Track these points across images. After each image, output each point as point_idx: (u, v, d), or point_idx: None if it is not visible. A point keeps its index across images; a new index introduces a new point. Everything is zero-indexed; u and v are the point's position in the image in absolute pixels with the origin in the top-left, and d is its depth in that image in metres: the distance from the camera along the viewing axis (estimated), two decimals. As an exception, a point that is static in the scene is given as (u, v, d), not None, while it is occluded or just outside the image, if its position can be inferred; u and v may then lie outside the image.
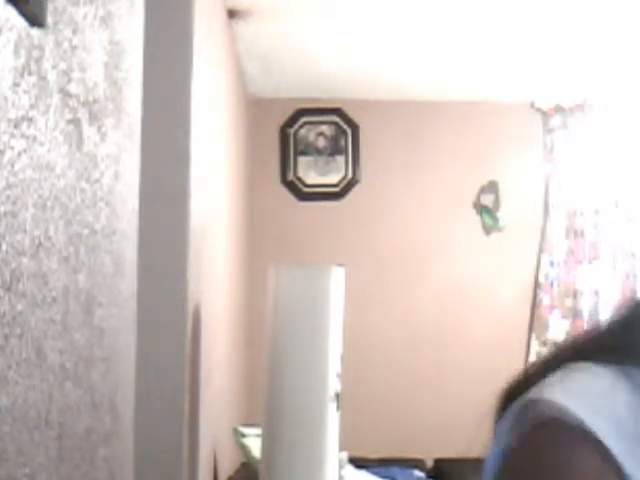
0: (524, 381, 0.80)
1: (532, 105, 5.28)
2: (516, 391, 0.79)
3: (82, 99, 1.52)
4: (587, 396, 0.73)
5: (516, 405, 0.76)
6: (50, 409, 1.34)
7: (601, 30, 4.11)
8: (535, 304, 5.22)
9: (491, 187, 5.29)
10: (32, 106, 1.25)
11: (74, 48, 1.46)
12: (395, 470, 4.39)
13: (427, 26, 4.12)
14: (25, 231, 1.22)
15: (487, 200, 5.29)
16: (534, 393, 0.75)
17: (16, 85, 1.18)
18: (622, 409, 0.73)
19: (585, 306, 5.21)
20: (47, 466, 1.34)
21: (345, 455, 3.29)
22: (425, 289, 5.21)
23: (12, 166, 1.16)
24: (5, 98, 1.14)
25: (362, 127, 5.28)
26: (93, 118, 1.59)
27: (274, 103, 5.23)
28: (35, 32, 1.24)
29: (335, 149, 5.28)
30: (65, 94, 1.41)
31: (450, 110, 5.26)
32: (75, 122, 1.47)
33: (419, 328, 5.17)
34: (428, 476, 4.60)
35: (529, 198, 5.27)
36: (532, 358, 5.16)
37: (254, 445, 3.23)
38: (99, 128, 1.64)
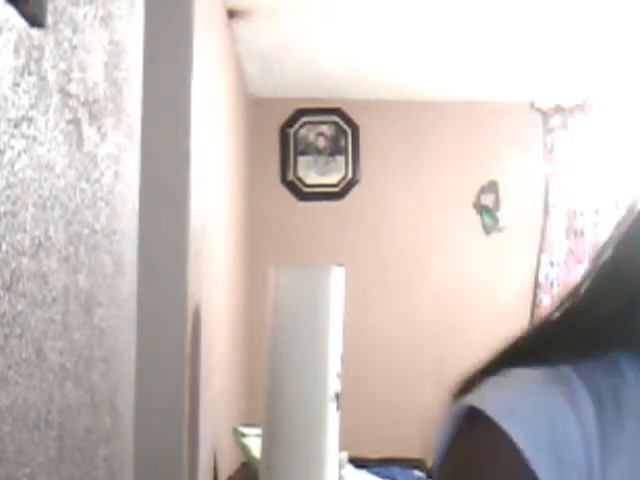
0: (472, 381, 0.81)
1: (532, 105, 5.27)
2: (465, 390, 0.80)
3: (82, 99, 1.52)
4: (521, 407, 0.73)
5: (456, 408, 0.77)
6: (50, 409, 1.34)
7: (601, 30, 4.11)
8: (535, 304, 5.22)
9: (491, 187, 5.29)
10: (32, 106, 1.25)
11: (74, 48, 1.46)
12: (395, 470, 4.39)
13: (427, 26, 4.12)
14: (25, 231, 1.22)
15: (487, 200, 5.29)
16: (471, 398, 0.76)
17: (16, 85, 1.18)
18: (559, 422, 0.72)
19: (585, 306, 5.20)
20: (47, 466, 1.34)
21: (345, 455, 3.29)
22: (425, 289, 5.21)
23: (12, 166, 1.16)
24: (5, 98, 1.14)
25: (362, 127, 5.28)
26: (93, 118, 1.59)
27: (274, 103, 5.23)
28: (35, 32, 1.24)
29: (335, 149, 5.28)
30: (65, 94, 1.41)
31: (450, 110, 5.26)
32: (75, 122, 1.47)
33: (419, 328, 5.17)
34: (428, 476, 4.59)
35: (529, 198, 5.27)
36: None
37: (254, 445, 3.23)
38: (99, 128, 1.64)
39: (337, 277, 2.91)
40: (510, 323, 5.19)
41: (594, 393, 0.74)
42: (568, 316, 0.82)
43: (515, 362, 0.79)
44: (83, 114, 1.52)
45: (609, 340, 0.79)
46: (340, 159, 5.27)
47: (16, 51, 1.17)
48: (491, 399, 0.74)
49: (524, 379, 0.76)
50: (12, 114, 1.16)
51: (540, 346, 0.81)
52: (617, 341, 0.79)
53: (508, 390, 0.75)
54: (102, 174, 1.66)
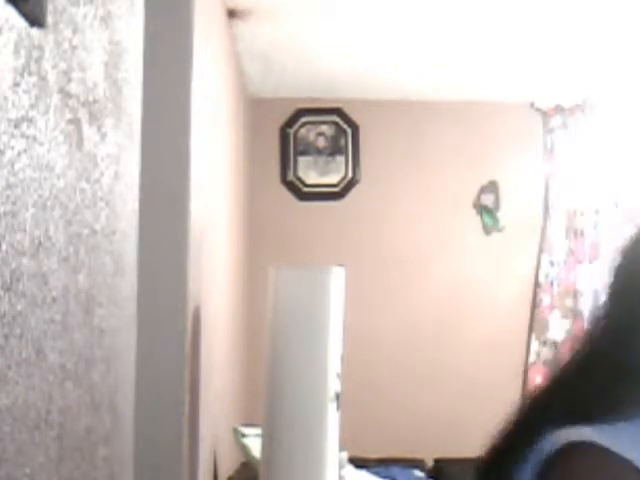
0: (507, 448, 0.80)
1: (532, 105, 5.27)
2: (499, 460, 0.79)
3: (82, 99, 1.52)
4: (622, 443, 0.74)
5: (544, 446, 0.76)
6: (50, 409, 1.34)
7: (601, 30, 4.11)
8: (535, 304, 5.22)
9: (491, 187, 5.29)
10: (32, 106, 1.25)
11: (74, 48, 1.46)
12: (395, 470, 4.39)
13: (427, 26, 4.12)
14: (25, 231, 1.22)
15: (487, 200, 5.28)
16: (566, 436, 0.75)
17: (16, 85, 1.18)
18: None
19: (585, 306, 5.20)
20: (47, 466, 1.34)
21: (345, 455, 3.29)
22: (425, 289, 5.21)
23: (12, 166, 1.16)
24: (5, 98, 1.14)
25: (362, 127, 5.28)
26: (93, 118, 1.59)
27: (274, 103, 5.23)
28: (35, 32, 1.24)
29: (335, 149, 5.28)
30: (65, 94, 1.41)
31: (450, 110, 5.26)
32: (75, 122, 1.47)
33: (419, 328, 5.17)
34: (428, 476, 4.59)
35: (529, 198, 5.27)
36: (532, 358, 5.16)
37: (254, 445, 3.22)
38: (99, 128, 1.64)
39: (337, 277, 2.91)
40: (510, 323, 5.19)
41: None
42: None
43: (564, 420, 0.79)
44: (83, 114, 1.52)
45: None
46: (340, 159, 5.27)
47: (16, 51, 1.17)
48: (591, 435, 0.74)
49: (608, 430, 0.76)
50: (12, 114, 1.16)
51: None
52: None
53: (601, 433, 0.75)
54: (102, 174, 1.66)
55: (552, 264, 5.24)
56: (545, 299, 5.21)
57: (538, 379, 5.13)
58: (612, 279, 0.90)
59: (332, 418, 2.84)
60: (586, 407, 0.80)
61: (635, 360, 0.81)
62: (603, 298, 0.90)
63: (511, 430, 0.84)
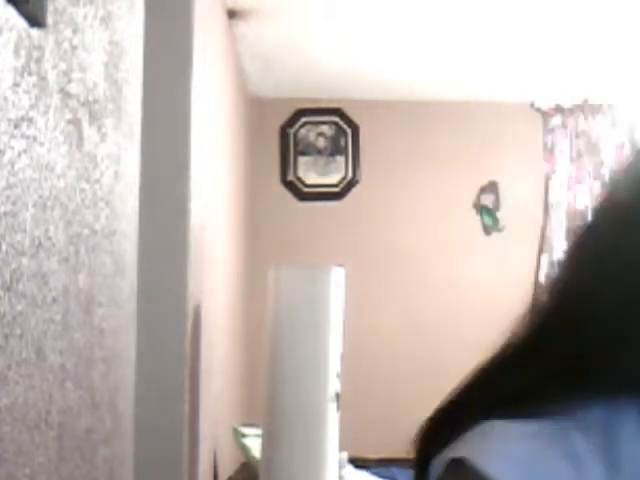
0: (441, 425, 0.72)
1: (532, 105, 5.28)
2: (435, 437, 0.71)
3: (82, 99, 1.52)
4: (518, 461, 0.64)
5: (438, 463, 0.68)
6: (50, 409, 1.34)
7: (601, 30, 4.11)
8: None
9: (491, 187, 5.29)
10: (32, 106, 1.25)
11: (74, 48, 1.46)
12: (395, 470, 4.39)
13: (427, 26, 4.12)
14: (25, 231, 1.22)
15: (487, 200, 5.28)
16: (457, 451, 0.66)
17: (16, 85, 1.18)
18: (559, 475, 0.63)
19: (585, 306, 5.20)
20: (47, 466, 1.34)
21: (345, 455, 3.29)
22: (425, 289, 5.21)
23: (12, 166, 1.16)
24: (5, 98, 1.14)
25: (362, 127, 5.28)
26: (93, 118, 1.59)
27: (274, 103, 5.23)
28: (35, 32, 1.24)
29: (335, 149, 5.28)
30: (65, 94, 1.41)
31: (450, 110, 5.26)
32: (75, 122, 1.47)
33: (419, 328, 5.17)
34: (428, 476, 4.59)
35: (529, 198, 5.27)
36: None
37: (254, 445, 3.23)
38: (99, 128, 1.64)
39: (337, 277, 2.91)
40: (510, 323, 5.19)
41: (604, 453, 0.64)
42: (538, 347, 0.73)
43: (495, 409, 0.69)
44: (83, 114, 1.52)
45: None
46: (340, 159, 5.27)
47: (16, 51, 1.17)
48: (488, 456, 0.65)
49: (520, 437, 0.66)
50: (12, 114, 1.16)
51: (521, 389, 0.71)
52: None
53: (504, 448, 0.66)
54: (102, 174, 1.66)
55: (552, 264, 5.24)
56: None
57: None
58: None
59: (332, 418, 2.84)
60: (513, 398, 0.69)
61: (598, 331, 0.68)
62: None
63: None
